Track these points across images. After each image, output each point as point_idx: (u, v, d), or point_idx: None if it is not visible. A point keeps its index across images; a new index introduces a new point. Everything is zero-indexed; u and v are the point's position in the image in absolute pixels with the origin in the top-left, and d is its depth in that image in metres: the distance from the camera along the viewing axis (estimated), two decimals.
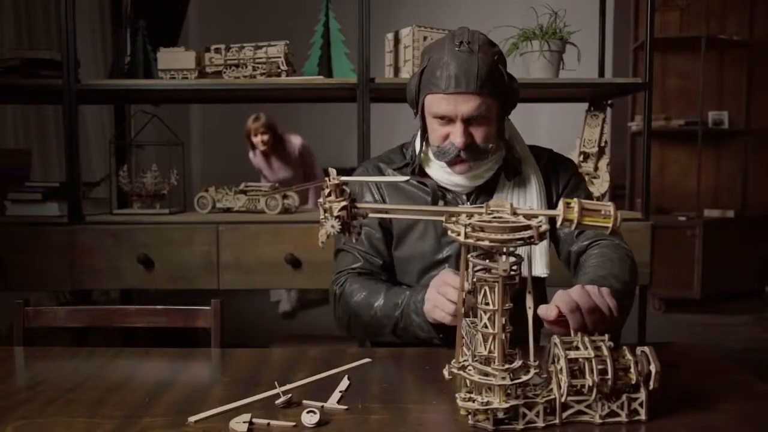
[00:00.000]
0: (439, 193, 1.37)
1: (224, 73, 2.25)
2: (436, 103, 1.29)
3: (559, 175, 1.45)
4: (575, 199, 0.89)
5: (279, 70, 2.22)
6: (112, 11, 2.89)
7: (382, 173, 1.46)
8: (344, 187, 0.95)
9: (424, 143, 1.39)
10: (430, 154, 1.37)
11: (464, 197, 1.39)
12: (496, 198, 1.33)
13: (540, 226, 0.85)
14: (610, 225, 0.88)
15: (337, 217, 0.93)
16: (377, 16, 2.22)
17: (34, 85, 2.22)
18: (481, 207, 0.91)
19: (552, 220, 0.91)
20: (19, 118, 3.38)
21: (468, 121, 1.28)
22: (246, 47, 2.23)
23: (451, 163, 1.33)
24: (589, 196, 1.46)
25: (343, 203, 0.94)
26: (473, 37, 1.28)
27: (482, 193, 1.39)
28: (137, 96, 2.55)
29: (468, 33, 1.29)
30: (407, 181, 1.34)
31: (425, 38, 2.06)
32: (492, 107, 1.29)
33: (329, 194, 0.95)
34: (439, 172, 1.37)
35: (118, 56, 2.80)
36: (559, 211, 0.88)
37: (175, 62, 2.23)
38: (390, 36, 2.17)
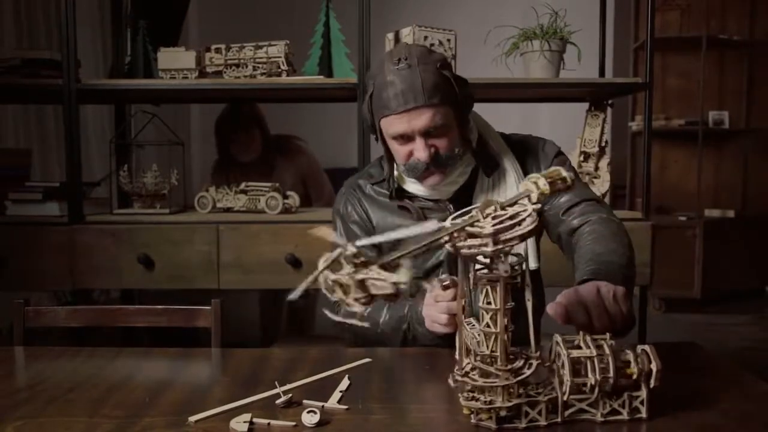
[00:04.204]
0: (423, 214, 1.38)
1: (224, 72, 2.25)
2: (390, 125, 1.30)
3: (539, 158, 1.44)
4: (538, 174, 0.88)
5: (279, 70, 2.21)
6: (112, 11, 2.89)
7: (362, 190, 1.47)
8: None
9: (393, 164, 1.40)
10: (402, 173, 1.39)
11: (448, 204, 1.39)
12: (476, 196, 1.35)
13: (530, 211, 0.84)
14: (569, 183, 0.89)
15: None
16: (377, 16, 2.22)
17: (35, 84, 2.21)
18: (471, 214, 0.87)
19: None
20: (19, 118, 3.36)
21: (426, 134, 1.29)
22: (246, 47, 2.22)
23: (422, 178, 1.34)
24: (573, 171, 1.43)
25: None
26: (410, 52, 1.28)
27: (462, 195, 1.39)
28: (137, 96, 2.55)
29: (404, 49, 1.30)
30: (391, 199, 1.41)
31: (425, 38, 2.05)
32: (447, 114, 1.29)
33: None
34: (415, 186, 1.39)
35: (119, 56, 2.80)
36: (533, 188, 0.87)
37: (176, 62, 2.23)
38: (390, 36, 2.17)
